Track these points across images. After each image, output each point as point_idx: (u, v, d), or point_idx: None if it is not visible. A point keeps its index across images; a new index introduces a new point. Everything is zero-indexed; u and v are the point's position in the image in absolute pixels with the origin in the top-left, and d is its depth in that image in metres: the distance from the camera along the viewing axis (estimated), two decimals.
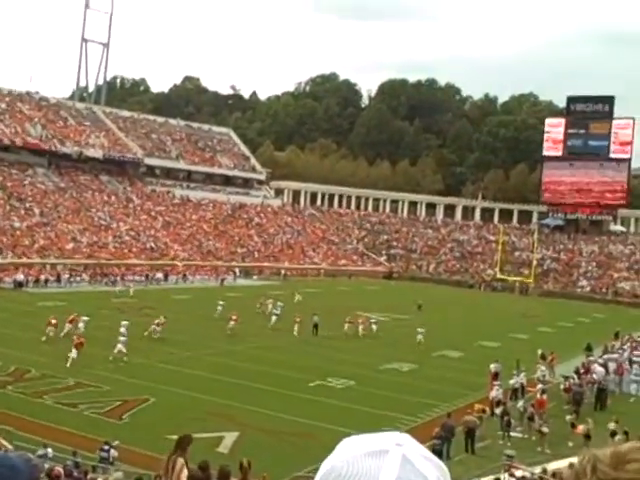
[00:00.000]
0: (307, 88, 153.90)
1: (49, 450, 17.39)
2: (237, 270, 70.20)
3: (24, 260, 57.44)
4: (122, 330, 31.54)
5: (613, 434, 21.60)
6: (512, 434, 23.18)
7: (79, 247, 64.01)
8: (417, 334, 38.80)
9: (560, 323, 53.87)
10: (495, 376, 28.85)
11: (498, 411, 23.96)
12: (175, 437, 20.43)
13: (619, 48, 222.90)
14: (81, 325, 33.99)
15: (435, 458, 1.36)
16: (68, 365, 27.46)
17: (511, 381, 28.33)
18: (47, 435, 19.01)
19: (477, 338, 42.67)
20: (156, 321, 35.55)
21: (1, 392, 23.59)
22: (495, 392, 26.05)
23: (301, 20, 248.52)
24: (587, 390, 28.98)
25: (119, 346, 30.03)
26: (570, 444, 22.42)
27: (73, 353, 28.08)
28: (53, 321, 33.48)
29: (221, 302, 44.06)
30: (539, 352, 34.51)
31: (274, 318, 41.54)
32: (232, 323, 37.74)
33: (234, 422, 22.04)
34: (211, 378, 27.82)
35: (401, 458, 1.30)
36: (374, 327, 41.50)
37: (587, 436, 21.87)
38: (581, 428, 22.47)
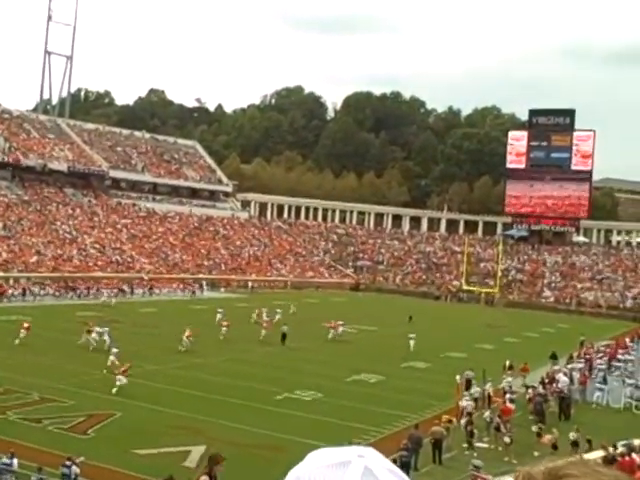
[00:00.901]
0: (273, 101, 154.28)
1: (14, 461, 17.17)
2: (204, 283, 69.83)
3: None
4: (106, 338, 33.36)
5: (574, 444, 21.86)
6: (478, 444, 23.32)
7: (43, 260, 63.22)
8: (409, 339, 40.81)
9: (525, 333, 54.44)
10: (468, 385, 29.19)
11: (463, 421, 24.10)
12: (141, 452, 20.36)
13: (579, 62, 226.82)
14: (106, 338, 34.64)
15: (398, 470, 1.39)
16: (114, 392, 26.14)
17: (472, 390, 28.49)
18: (10, 451, 18.68)
19: (444, 349, 42.92)
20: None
21: None
22: (465, 402, 26.22)
23: (266, 33, 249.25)
24: (553, 400, 29.27)
25: (111, 357, 30.09)
26: (536, 454, 22.61)
27: (121, 381, 26.67)
28: (26, 325, 34.13)
29: (220, 309, 45.57)
30: (507, 363, 34.79)
31: (263, 332, 41.41)
32: (186, 340, 36.02)
33: (201, 436, 21.88)
34: (177, 391, 27.61)
35: (363, 469, 1.33)
36: (341, 329, 43.55)
37: (554, 446, 22.11)
38: (547, 438, 22.70)
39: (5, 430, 20.99)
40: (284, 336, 40.29)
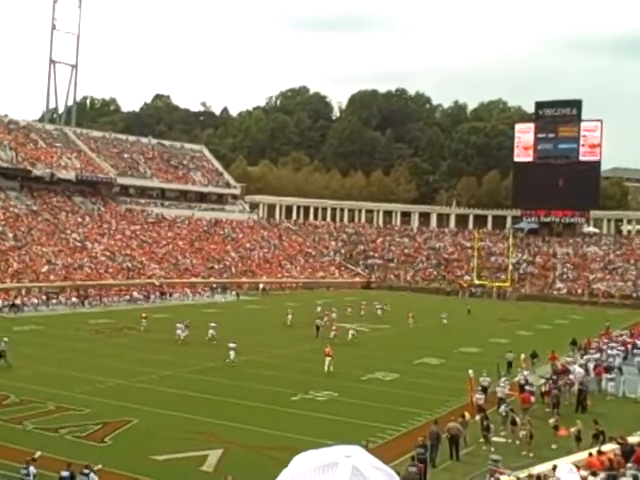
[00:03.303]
0: (278, 102, 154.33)
1: (31, 469, 17.25)
2: (215, 286, 69.99)
3: None
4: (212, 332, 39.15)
5: (596, 436, 21.66)
6: (495, 439, 23.24)
7: (54, 269, 63.44)
8: (442, 319, 50.44)
9: (539, 326, 54.25)
10: (509, 366, 33.49)
11: (478, 417, 24.00)
12: (159, 458, 20.39)
13: (583, 52, 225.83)
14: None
15: (385, 467, 1.41)
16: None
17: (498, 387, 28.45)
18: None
19: (457, 344, 42.83)
20: None
21: None
22: (478, 395, 26.19)
23: (269, 35, 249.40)
24: (566, 391, 29.15)
25: (231, 353, 33.37)
26: (554, 447, 22.53)
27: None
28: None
29: (213, 324, 41.61)
30: (522, 356, 34.76)
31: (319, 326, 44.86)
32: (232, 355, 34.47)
33: (217, 440, 21.91)
34: (192, 396, 27.64)
35: (351, 469, 1.36)
36: (351, 333, 42.71)
37: (578, 438, 21.97)
38: (570, 430, 22.53)
39: (22, 440, 21.06)
40: (318, 328, 44.21)
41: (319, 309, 51.76)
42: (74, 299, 56.92)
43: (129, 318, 48.64)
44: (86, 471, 17.31)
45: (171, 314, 52.46)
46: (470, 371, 28.57)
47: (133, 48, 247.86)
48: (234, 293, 69.84)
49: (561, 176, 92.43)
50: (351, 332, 42.73)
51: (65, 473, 17.17)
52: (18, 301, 53.35)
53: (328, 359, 33.07)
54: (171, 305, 59.95)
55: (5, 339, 32.68)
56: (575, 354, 37.35)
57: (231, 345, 34.04)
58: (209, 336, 39.95)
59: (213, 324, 41.07)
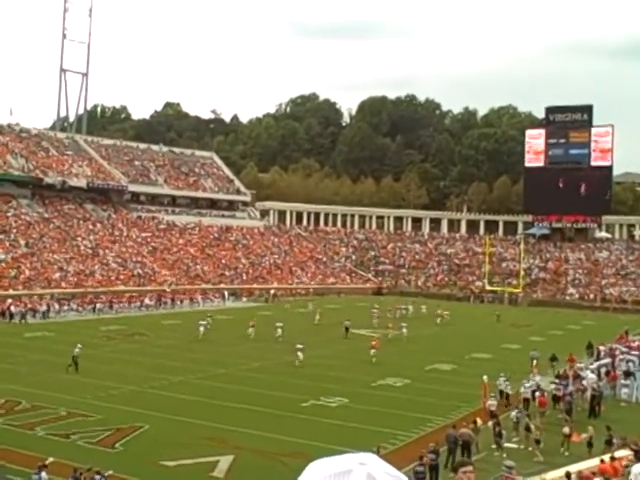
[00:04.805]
0: (288, 109, 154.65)
1: (43, 474, 17.27)
2: (226, 293, 70.05)
3: (10, 292, 57.04)
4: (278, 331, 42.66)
5: (608, 442, 21.50)
6: (508, 445, 23.08)
7: (66, 276, 63.65)
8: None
9: (551, 331, 53.95)
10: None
11: (490, 423, 23.85)
12: (169, 464, 20.36)
13: (592, 57, 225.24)
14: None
15: (399, 473, 1.43)
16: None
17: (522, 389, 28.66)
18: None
19: (469, 350, 42.64)
20: None
21: None
22: (491, 401, 26.09)
23: (279, 42, 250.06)
24: (578, 397, 28.96)
25: (299, 354, 35.42)
26: (566, 453, 22.37)
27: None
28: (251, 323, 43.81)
29: (203, 321, 45.15)
30: (534, 362, 34.67)
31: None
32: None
33: (228, 445, 21.86)
34: (203, 402, 27.62)
35: (365, 476, 1.37)
36: (404, 331, 45.83)
37: (590, 444, 21.79)
38: (582, 436, 22.37)
39: (34, 446, 21.10)
40: (347, 329, 46.05)
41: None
42: (85, 305, 57.02)
43: (140, 324, 48.73)
44: (97, 477, 17.31)
45: (182, 320, 52.53)
46: (485, 377, 28.47)
47: (143, 56, 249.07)
48: (245, 299, 70.09)
49: (572, 181, 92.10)
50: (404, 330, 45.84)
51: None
52: (44, 307, 53.78)
53: (373, 351, 36.68)
54: (181, 312, 59.97)
55: (79, 345, 33.29)
56: (589, 359, 37.29)
57: (299, 346, 36.07)
58: (277, 334, 43.31)
59: (279, 324, 44.47)
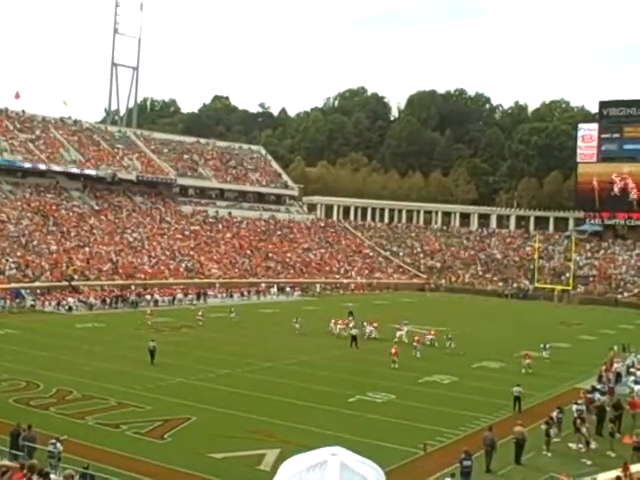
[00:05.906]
0: (336, 103, 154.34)
1: (58, 445, 18.05)
2: (275, 286, 70.45)
3: (63, 283, 58.11)
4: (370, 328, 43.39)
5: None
6: (571, 445, 22.73)
7: (116, 268, 64.55)
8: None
9: (602, 330, 52.83)
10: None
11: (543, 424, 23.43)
12: (217, 456, 20.46)
13: None
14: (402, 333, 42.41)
15: (371, 462, 1.50)
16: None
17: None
18: (89, 455, 19.06)
19: (518, 348, 41.98)
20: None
21: (44, 414, 23.74)
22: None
23: (327, 35, 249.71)
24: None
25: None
26: (612, 455, 21.90)
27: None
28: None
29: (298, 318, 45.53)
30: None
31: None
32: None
33: (275, 439, 21.90)
34: (250, 395, 27.74)
35: (339, 465, 1.45)
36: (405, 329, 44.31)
37: (636, 448, 21.31)
38: (632, 439, 21.85)
39: (84, 435, 21.42)
40: (354, 338, 40.67)
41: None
42: (134, 297, 57.73)
43: (188, 317, 49.16)
44: (53, 441, 18.18)
45: (225, 313, 52.78)
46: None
47: (192, 50, 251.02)
48: (296, 294, 70.50)
49: (626, 177, 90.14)
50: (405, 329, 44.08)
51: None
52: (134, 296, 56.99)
53: (394, 358, 34.68)
54: (230, 304, 60.27)
55: (153, 338, 34.78)
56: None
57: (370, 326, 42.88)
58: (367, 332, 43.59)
59: (374, 324, 44.77)
